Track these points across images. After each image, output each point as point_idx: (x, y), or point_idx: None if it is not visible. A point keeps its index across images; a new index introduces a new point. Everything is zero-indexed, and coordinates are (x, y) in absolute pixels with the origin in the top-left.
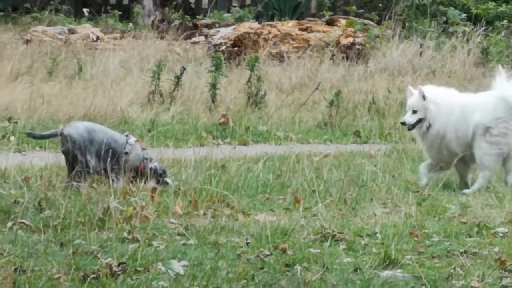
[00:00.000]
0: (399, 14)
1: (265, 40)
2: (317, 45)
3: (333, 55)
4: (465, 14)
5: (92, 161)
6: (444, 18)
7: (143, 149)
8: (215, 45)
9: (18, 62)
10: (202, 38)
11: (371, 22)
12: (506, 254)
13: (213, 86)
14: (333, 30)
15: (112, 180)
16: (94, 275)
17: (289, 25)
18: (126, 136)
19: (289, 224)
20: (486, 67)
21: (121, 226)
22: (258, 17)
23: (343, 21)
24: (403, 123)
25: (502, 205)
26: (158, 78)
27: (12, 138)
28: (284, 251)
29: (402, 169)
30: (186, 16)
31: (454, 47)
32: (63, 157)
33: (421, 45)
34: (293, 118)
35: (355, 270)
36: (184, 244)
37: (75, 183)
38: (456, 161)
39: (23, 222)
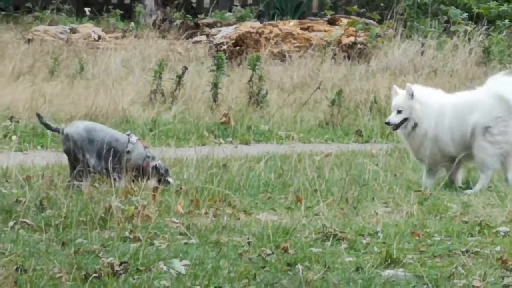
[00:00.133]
0: (400, 14)
1: (267, 39)
2: (319, 44)
3: (334, 55)
4: (467, 14)
5: (92, 160)
6: (446, 18)
7: (145, 147)
8: (216, 45)
9: (19, 61)
10: (203, 38)
11: (372, 22)
12: (507, 254)
13: (215, 86)
14: (334, 29)
15: (114, 179)
16: (96, 274)
17: (290, 25)
18: (128, 135)
19: (290, 223)
20: (487, 66)
21: (123, 225)
22: (259, 17)
23: (344, 21)
24: (388, 123)
25: (503, 204)
26: (160, 78)
27: (13, 137)
28: (285, 250)
29: (403, 168)
30: (188, 16)
31: (456, 47)
32: (65, 156)
33: (423, 45)
34: (295, 118)
35: (357, 269)
36: (185, 243)
37: (76, 182)
38: (457, 161)
39: (25, 221)
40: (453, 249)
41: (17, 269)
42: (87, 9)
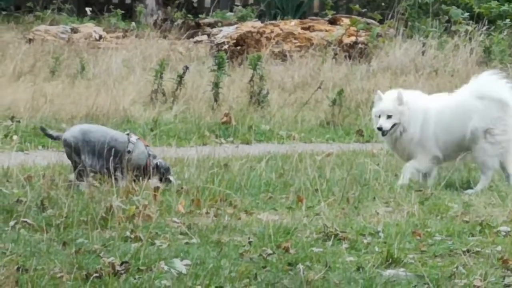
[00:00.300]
0: (401, 13)
1: (268, 39)
2: (320, 44)
3: (335, 54)
4: (468, 13)
5: (89, 161)
6: (447, 17)
7: (146, 145)
8: (217, 44)
9: (20, 61)
10: (204, 37)
11: (373, 21)
12: (508, 253)
13: (216, 85)
14: (335, 29)
15: (116, 179)
16: (97, 274)
17: (291, 24)
18: (127, 134)
19: (291, 223)
20: (488, 66)
21: (124, 225)
22: (260, 16)
23: (345, 20)
24: (380, 129)
25: (504, 204)
26: (161, 77)
27: (14, 137)
28: (286, 250)
29: None
30: (189, 15)
31: (457, 46)
32: (65, 156)
33: (424, 44)
34: (296, 117)
35: (358, 269)
36: (186, 243)
37: (77, 182)
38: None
39: (26, 221)
40: (454, 249)
41: (18, 268)
42: (88, 9)
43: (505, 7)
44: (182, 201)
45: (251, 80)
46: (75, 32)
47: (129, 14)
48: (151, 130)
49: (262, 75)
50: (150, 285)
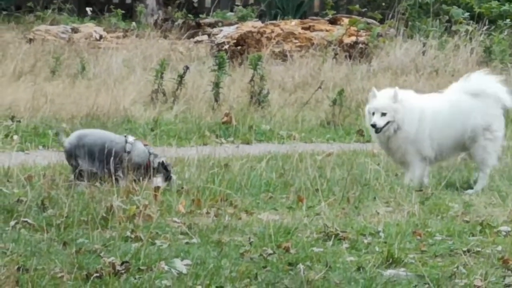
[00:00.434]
0: (402, 13)
1: (268, 39)
2: (320, 44)
3: (336, 54)
4: (468, 13)
5: (84, 164)
6: (447, 17)
7: (145, 145)
8: (218, 44)
9: (21, 61)
10: (205, 37)
11: (374, 21)
12: (509, 253)
13: (216, 85)
14: (336, 29)
15: (116, 179)
16: (97, 274)
17: (292, 24)
18: (125, 136)
19: (292, 223)
20: (489, 66)
21: (124, 225)
22: (261, 16)
23: (346, 20)
24: (374, 126)
25: (505, 204)
26: (161, 77)
27: (15, 137)
28: (287, 250)
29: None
30: (189, 15)
31: (457, 46)
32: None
33: (424, 44)
34: (296, 117)
35: (358, 269)
36: (187, 243)
37: (77, 182)
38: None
39: (26, 221)
40: (454, 249)
41: (18, 268)
42: (88, 9)
43: (506, 7)
44: (183, 201)
45: (252, 80)
46: (76, 32)
47: (129, 14)
48: (152, 130)
49: (262, 75)
50: (150, 285)
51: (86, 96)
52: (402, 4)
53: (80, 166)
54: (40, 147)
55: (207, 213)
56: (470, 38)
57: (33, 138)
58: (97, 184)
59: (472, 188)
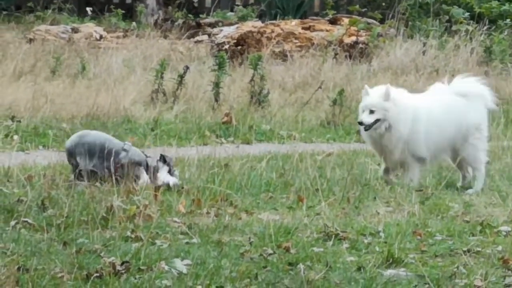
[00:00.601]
0: (402, 13)
1: (268, 39)
2: (320, 44)
3: (336, 54)
4: (468, 13)
5: (82, 162)
6: (447, 17)
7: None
8: (218, 44)
9: (21, 61)
10: (205, 37)
11: (374, 21)
12: (509, 253)
13: (216, 85)
14: (336, 29)
15: (116, 179)
16: (97, 274)
17: (292, 24)
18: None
19: (292, 223)
20: (489, 66)
21: (124, 225)
22: (261, 16)
23: (346, 20)
24: (361, 123)
25: (505, 204)
26: (161, 77)
27: (15, 137)
28: (287, 250)
29: None
30: (189, 15)
31: (457, 46)
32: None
33: (424, 44)
34: (296, 117)
35: (358, 269)
36: (187, 243)
37: (77, 182)
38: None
39: (26, 221)
40: (454, 249)
41: (18, 268)
42: (88, 9)
43: (506, 7)
44: (183, 201)
45: (252, 80)
46: (76, 32)
47: (129, 14)
48: (152, 130)
49: (262, 75)
50: (150, 285)
51: (86, 96)
52: (402, 4)
53: (79, 164)
54: (40, 147)
55: (207, 213)
56: (470, 38)
57: (33, 138)
58: (97, 184)
59: (472, 188)
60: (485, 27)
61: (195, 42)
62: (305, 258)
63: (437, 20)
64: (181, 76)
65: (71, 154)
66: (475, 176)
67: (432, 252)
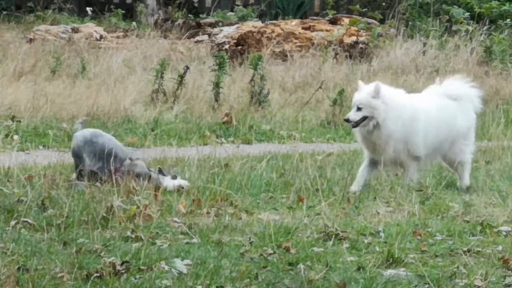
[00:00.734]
0: (402, 13)
1: (268, 39)
2: (321, 44)
3: (336, 54)
4: (468, 13)
5: (88, 161)
6: (447, 17)
7: None
8: (218, 44)
9: (21, 61)
10: (205, 37)
11: (374, 21)
12: (509, 253)
13: (216, 85)
14: (336, 29)
15: (116, 179)
16: (98, 274)
17: (292, 24)
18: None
19: (292, 223)
20: (489, 66)
21: (125, 225)
22: (261, 16)
23: (346, 20)
24: (347, 120)
25: (505, 204)
26: (162, 77)
27: (15, 137)
28: (287, 249)
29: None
30: (190, 15)
31: (457, 46)
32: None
33: (424, 44)
34: (297, 117)
35: (358, 269)
36: (187, 243)
37: (77, 182)
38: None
39: (27, 221)
40: (454, 249)
41: (18, 268)
42: (89, 9)
43: (506, 7)
44: (183, 201)
45: (252, 80)
46: (76, 32)
47: (129, 14)
48: (152, 129)
49: (262, 75)
50: (150, 285)
51: (86, 96)
52: (402, 4)
53: (84, 163)
54: (41, 147)
55: (207, 213)
56: (470, 38)
57: (33, 138)
58: (97, 184)
59: (471, 187)
60: (485, 27)
61: (195, 42)
62: (305, 258)
63: (437, 20)
64: (181, 76)
65: (79, 149)
66: (461, 174)
67: (432, 252)
